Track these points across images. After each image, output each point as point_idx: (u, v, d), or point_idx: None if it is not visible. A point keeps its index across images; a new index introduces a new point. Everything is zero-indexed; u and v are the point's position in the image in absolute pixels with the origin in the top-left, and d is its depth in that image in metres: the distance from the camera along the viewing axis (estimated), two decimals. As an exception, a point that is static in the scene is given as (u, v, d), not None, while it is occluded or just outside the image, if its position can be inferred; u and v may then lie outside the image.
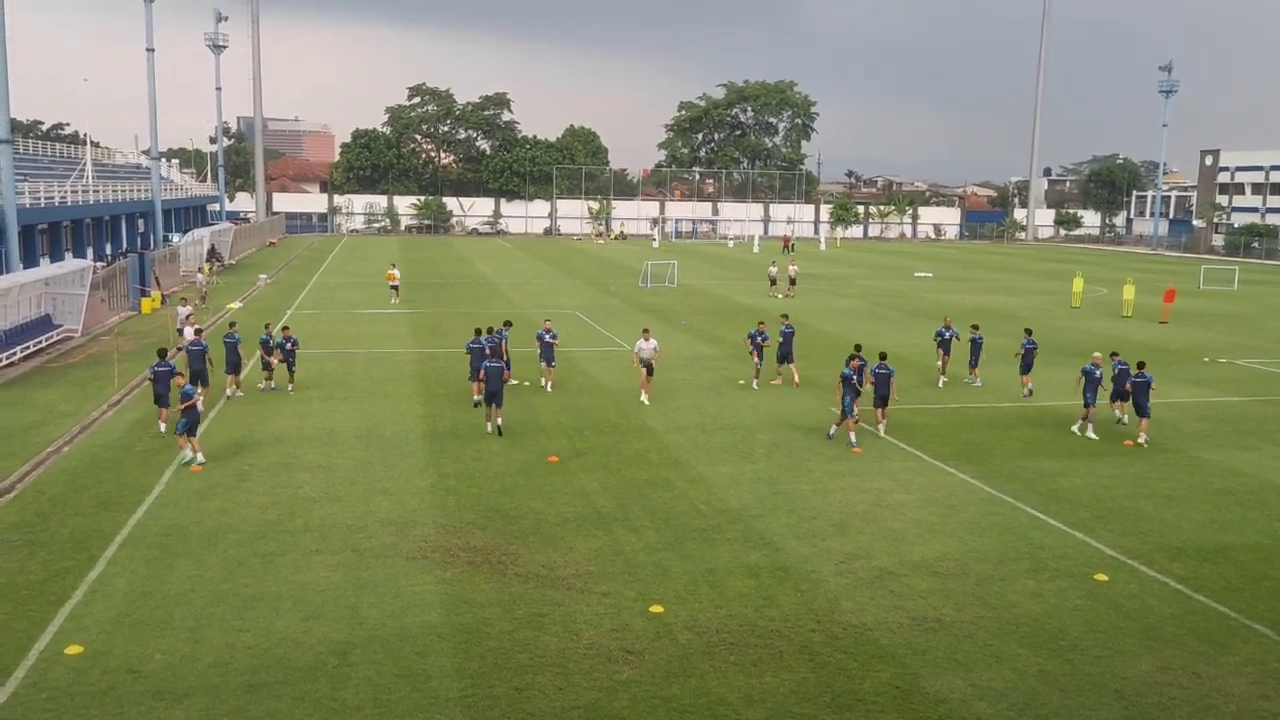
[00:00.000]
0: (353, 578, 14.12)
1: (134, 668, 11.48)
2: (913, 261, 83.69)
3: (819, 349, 34.49)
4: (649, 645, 12.31)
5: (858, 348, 23.72)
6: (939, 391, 28.03)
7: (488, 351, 24.65)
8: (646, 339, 26.09)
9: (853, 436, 21.95)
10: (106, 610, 12.91)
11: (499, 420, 22.50)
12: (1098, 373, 23.35)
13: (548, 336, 26.90)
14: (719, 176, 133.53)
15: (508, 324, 27.84)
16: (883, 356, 23.35)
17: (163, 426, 21.84)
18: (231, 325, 27.93)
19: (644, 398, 25.77)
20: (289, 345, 26.53)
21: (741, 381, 28.46)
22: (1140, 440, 22.57)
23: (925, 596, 13.92)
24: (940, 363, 28.99)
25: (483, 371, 22.78)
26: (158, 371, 21.75)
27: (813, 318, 43.36)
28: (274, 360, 26.47)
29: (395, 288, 47.51)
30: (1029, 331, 28.31)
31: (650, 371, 25.92)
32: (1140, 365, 23.35)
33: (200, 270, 52.31)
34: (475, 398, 24.86)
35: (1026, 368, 27.29)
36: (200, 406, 23.92)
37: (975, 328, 29.54)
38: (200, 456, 19.65)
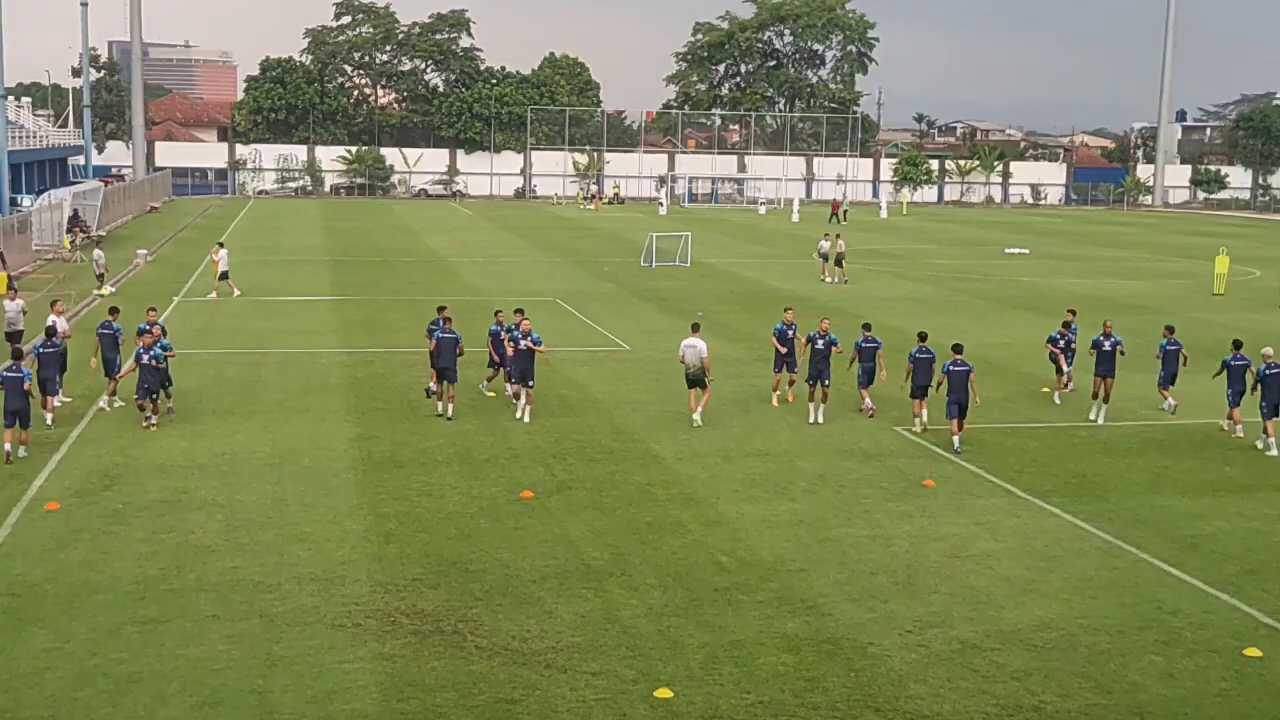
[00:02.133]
0: (261, 652, 14.14)
1: (-29, 771, 11.50)
2: (1003, 234, 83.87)
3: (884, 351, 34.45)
4: (654, 742, 12.34)
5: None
6: (1039, 408, 28.05)
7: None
8: (696, 336, 25.63)
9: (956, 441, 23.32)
10: (-65, 695, 12.93)
11: (450, 404, 25.42)
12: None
13: (526, 342, 26.38)
14: (747, 121, 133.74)
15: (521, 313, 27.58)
16: (957, 349, 23.94)
17: (48, 417, 23.78)
18: (112, 312, 26.91)
19: (695, 417, 25.23)
20: (147, 357, 23.73)
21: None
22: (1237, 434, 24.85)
23: (1020, 678, 13.94)
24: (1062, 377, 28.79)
25: (434, 343, 25.37)
26: (7, 378, 21.66)
27: (871, 309, 43.35)
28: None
29: (225, 275, 44.22)
30: (1170, 329, 28.01)
31: (693, 383, 25.42)
32: (1237, 345, 25.18)
33: (97, 247, 51.76)
34: (430, 385, 26.61)
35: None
36: (106, 406, 25.50)
37: (1170, 330, 28.42)
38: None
